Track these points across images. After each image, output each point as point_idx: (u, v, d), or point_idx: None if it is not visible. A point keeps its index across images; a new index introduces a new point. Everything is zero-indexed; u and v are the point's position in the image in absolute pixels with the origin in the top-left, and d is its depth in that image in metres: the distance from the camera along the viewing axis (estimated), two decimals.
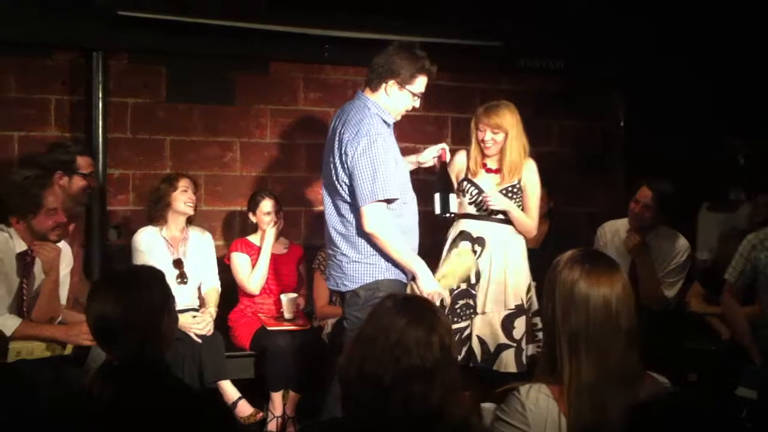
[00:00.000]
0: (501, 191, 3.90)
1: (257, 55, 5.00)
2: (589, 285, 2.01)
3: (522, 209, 3.94)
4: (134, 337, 2.05)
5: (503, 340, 3.83)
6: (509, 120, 3.86)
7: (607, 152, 5.78)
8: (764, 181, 5.16)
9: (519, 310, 3.86)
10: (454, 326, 3.81)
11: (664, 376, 2.12)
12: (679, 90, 5.37)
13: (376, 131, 3.38)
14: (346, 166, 3.40)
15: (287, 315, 4.46)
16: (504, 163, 3.90)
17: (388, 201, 3.40)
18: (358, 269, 3.47)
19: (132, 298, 2.06)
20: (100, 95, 4.59)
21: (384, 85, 3.46)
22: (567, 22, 5.14)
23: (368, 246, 3.44)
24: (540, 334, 3.82)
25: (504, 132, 3.86)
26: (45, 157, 4.02)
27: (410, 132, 5.27)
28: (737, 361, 4.21)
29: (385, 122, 3.48)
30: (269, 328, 4.41)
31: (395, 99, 3.48)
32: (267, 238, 4.52)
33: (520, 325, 3.85)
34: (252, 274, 4.54)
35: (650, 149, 5.41)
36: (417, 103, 3.56)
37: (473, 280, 3.85)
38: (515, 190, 3.93)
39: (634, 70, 5.46)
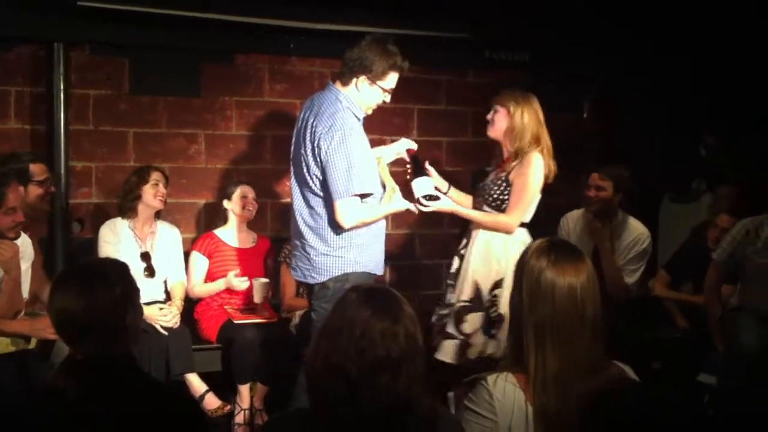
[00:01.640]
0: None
1: (222, 47, 4.95)
2: (555, 274, 2.03)
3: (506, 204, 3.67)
4: (98, 331, 2.02)
5: (451, 329, 3.71)
6: (510, 99, 3.69)
7: (572, 144, 5.81)
8: (725, 172, 5.26)
9: (476, 305, 3.68)
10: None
11: (628, 365, 2.16)
12: (645, 82, 5.42)
13: (349, 125, 3.38)
14: (318, 159, 3.39)
15: (257, 299, 4.44)
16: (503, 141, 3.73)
17: (363, 195, 3.40)
18: (327, 262, 3.46)
19: (95, 292, 2.03)
20: (62, 87, 4.52)
21: (355, 79, 3.45)
22: (534, 14, 5.16)
23: (337, 239, 3.44)
24: (495, 332, 3.64)
25: (502, 112, 3.70)
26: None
27: (376, 124, 5.25)
28: (700, 349, 4.30)
29: (355, 116, 3.48)
30: (236, 321, 4.39)
31: (365, 94, 3.48)
32: (228, 282, 4.49)
33: (472, 320, 3.67)
34: (201, 286, 4.55)
35: (615, 141, 5.46)
36: (387, 98, 3.56)
37: (452, 270, 3.82)
38: (499, 181, 3.69)
39: (601, 63, 5.50)
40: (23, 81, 4.60)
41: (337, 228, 3.42)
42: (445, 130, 5.56)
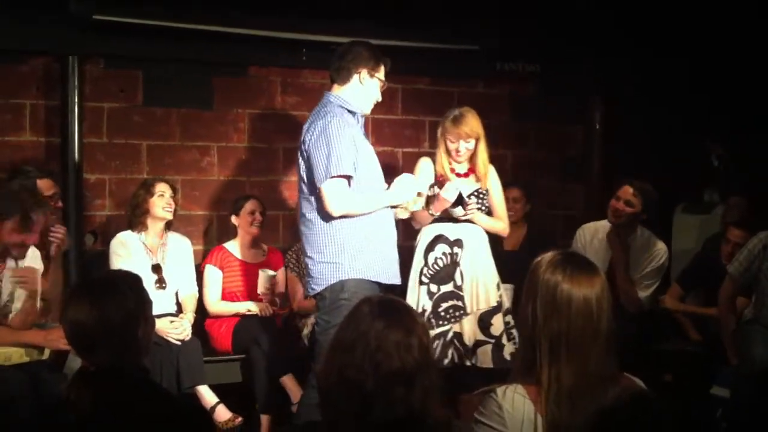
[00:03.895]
0: (472, 194, 3.96)
1: (235, 59, 4.99)
2: (571, 287, 2.02)
3: (490, 212, 4.05)
4: (110, 343, 2.04)
5: (480, 336, 3.88)
6: (477, 126, 3.97)
7: (584, 155, 5.83)
8: (737, 183, 5.23)
9: (495, 308, 3.92)
10: (439, 329, 3.84)
11: (639, 377, 2.15)
12: (656, 92, 5.42)
13: (332, 114, 3.41)
14: (304, 156, 3.42)
15: (259, 289, 4.44)
16: (478, 168, 4.02)
17: (347, 178, 3.37)
18: (322, 270, 3.44)
19: (107, 304, 2.04)
20: (76, 100, 4.56)
21: (356, 75, 3.50)
22: (543, 24, 5.17)
23: (330, 246, 3.42)
24: (514, 332, 3.87)
25: (475, 138, 3.96)
26: (11, 184, 3.98)
27: (389, 136, 5.31)
28: (712, 362, 4.28)
29: (348, 111, 3.49)
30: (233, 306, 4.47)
31: (369, 86, 3.53)
32: (244, 306, 4.53)
33: (497, 322, 3.89)
34: (219, 305, 4.56)
35: (627, 152, 5.46)
36: (379, 95, 3.61)
37: (459, 282, 3.89)
38: (484, 193, 4.01)
39: (612, 73, 5.50)
40: (37, 94, 4.64)
41: (328, 233, 3.40)
42: None
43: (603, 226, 4.56)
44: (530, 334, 2.06)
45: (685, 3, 4.96)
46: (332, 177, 3.32)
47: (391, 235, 3.58)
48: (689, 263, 4.89)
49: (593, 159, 5.77)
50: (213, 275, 4.59)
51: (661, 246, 4.51)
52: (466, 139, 3.93)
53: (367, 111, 3.60)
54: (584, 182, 5.78)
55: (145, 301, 2.13)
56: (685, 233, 5.39)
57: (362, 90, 3.52)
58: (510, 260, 4.31)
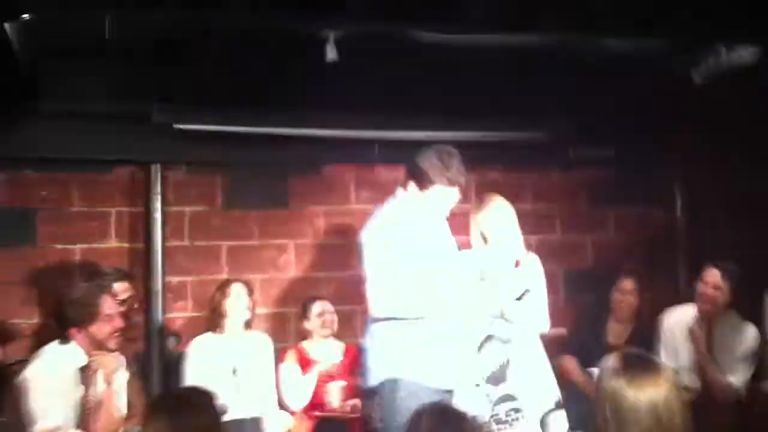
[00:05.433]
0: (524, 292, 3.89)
1: (309, 158, 5.10)
2: (635, 393, 1.97)
3: None
4: None
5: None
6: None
7: (666, 239, 5.68)
8: None
9: (557, 406, 3.80)
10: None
11: None
12: (736, 171, 5.27)
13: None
14: None
15: (335, 403, 4.38)
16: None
17: None
18: (376, 364, 3.44)
19: (183, 423, 2.08)
20: (158, 206, 4.73)
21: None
22: (617, 109, 5.13)
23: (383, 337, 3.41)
24: None
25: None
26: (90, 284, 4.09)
27: (462, 226, 5.27)
28: None
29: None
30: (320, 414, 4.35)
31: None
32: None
33: (557, 421, 3.77)
34: (298, 392, 4.46)
35: (710, 235, 5.30)
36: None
37: (511, 384, 3.77)
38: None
39: (689, 160, 5.40)
40: (122, 201, 4.83)
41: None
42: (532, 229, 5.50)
43: (689, 311, 4.43)
44: None
45: None
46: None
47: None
48: None
49: (676, 243, 5.62)
50: (290, 371, 4.51)
51: (751, 329, 4.34)
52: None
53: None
54: (668, 267, 5.61)
55: (219, 416, 2.17)
56: None
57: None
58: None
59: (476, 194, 5.35)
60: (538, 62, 4.00)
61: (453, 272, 3.55)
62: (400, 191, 3.59)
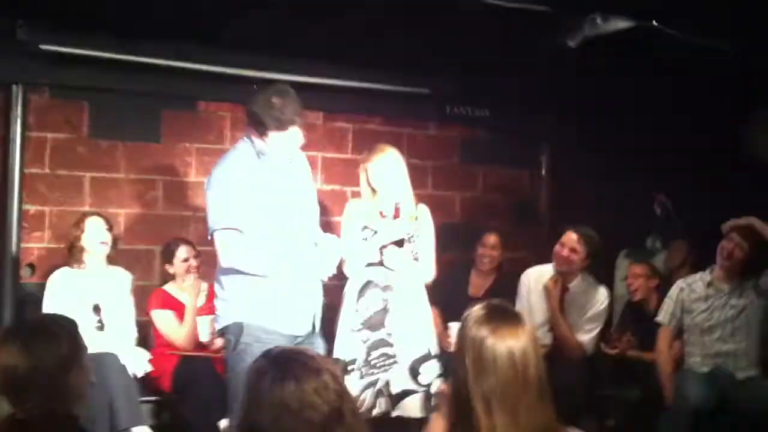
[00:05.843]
0: (403, 239, 3.91)
1: (184, 93, 4.93)
2: (495, 341, 2.02)
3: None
4: (41, 389, 1.98)
5: (410, 385, 3.80)
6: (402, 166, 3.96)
7: (532, 199, 5.90)
8: (679, 229, 5.34)
9: (426, 355, 3.86)
10: (370, 378, 3.78)
11: (582, 425, 2.15)
12: (602, 137, 5.51)
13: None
14: None
15: (202, 337, 4.36)
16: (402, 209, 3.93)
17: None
18: (224, 308, 3.40)
19: (39, 350, 1.99)
20: (18, 129, 4.45)
21: None
22: (494, 70, 5.24)
23: (229, 282, 3.35)
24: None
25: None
26: None
27: (337, 174, 5.28)
28: (654, 407, 4.33)
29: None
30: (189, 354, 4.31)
31: None
32: (190, 292, 4.45)
33: (427, 371, 3.82)
34: (181, 330, 4.43)
35: (573, 197, 5.54)
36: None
37: (389, 329, 3.83)
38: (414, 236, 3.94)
39: (559, 123, 5.61)
40: None
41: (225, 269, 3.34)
42: None
43: (548, 270, 4.61)
44: (463, 389, 2.05)
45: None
46: (216, 230, 3.31)
47: (282, 282, 3.38)
48: (621, 311, 5.03)
49: (541, 203, 5.86)
50: (163, 316, 4.46)
51: (602, 291, 4.58)
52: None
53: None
54: (532, 226, 5.84)
55: (80, 347, 2.07)
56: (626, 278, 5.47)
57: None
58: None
59: (353, 143, 5.41)
60: (424, 18, 4.00)
61: (294, 230, 3.38)
62: (241, 141, 3.46)
